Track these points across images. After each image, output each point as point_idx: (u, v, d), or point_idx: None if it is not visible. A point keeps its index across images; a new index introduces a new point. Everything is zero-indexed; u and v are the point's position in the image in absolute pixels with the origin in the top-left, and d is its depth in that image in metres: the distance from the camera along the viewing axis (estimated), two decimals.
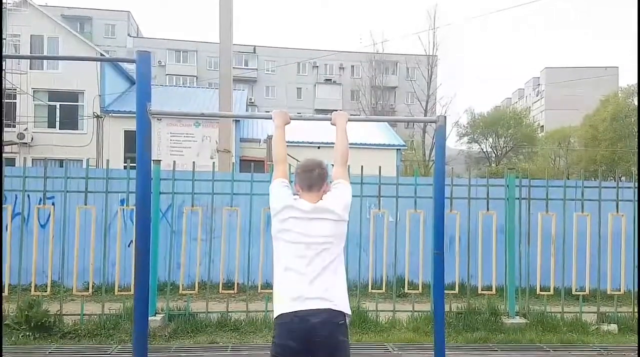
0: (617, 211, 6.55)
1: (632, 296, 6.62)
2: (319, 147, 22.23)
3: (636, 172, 7.20)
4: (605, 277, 6.55)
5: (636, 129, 41.36)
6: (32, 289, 6.07)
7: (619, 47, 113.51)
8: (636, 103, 42.39)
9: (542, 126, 61.04)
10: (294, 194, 2.79)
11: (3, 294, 5.92)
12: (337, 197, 2.76)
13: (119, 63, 25.35)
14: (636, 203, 6.62)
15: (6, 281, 5.97)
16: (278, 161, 2.97)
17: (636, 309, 6.53)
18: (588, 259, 6.45)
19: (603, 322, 6.41)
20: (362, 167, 6.40)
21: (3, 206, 6.21)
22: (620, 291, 6.58)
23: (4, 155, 19.52)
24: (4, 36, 20.89)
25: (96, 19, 52.30)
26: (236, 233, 6.44)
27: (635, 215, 6.54)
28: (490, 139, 49.90)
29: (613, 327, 6.26)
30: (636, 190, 6.67)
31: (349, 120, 3.22)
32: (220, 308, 6.42)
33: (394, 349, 5.38)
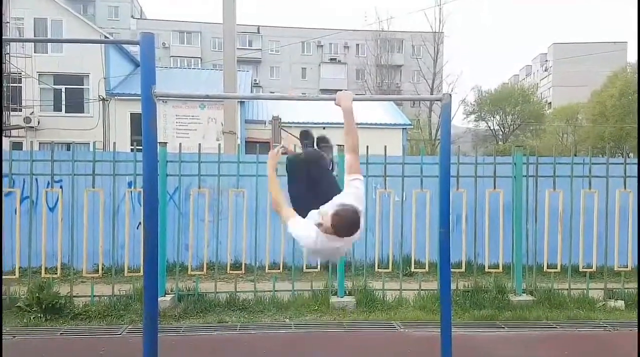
0: (625, 188, 6.52)
1: (638, 272, 6.61)
2: (324, 128, 22.11)
3: None
4: (612, 253, 6.55)
5: None
6: (43, 271, 6.14)
7: (628, 21, 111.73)
8: None
9: (550, 103, 60.51)
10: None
11: (14, 277, 6.01)
12: (360, 201, 3.01)
13: (124, 45, 25.25)
14: (637, 179, 6.55)
15: (17, 264, 6.03)
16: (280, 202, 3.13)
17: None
18: (595, 235, 6.45)
19: (610, 298, 6.42)
20: (367, 147, 6.37)
21: (12, 189, 6.26)
22: (627, 267, 6.58)
23: (10, 139, 19.56)
24: (7, 20, 20.78)
25: (99, 1, 51.99)
26: (243, 214, 6.46)
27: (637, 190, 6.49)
28: (498, 117, 49.56)
29: (620, 303, 6.28)
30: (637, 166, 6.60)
31: (353, 100, 3.22)
32: (229, 288, 6.48)
33: (401, 327, 5.43)
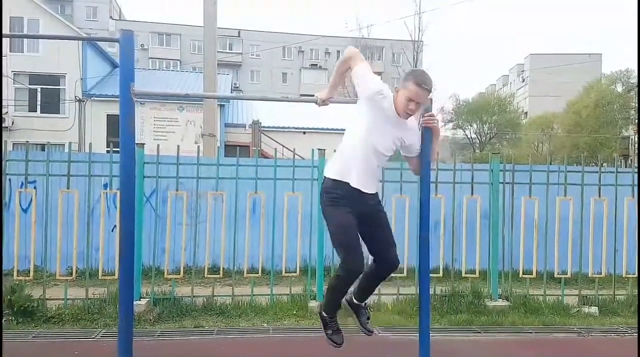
0: (599, 196, 6.63)
1: (612, 279, 6.74)
2: (304, 133, 22.19)
3: (618, 158, 7.29)
4: (587, 260, 6.66)
5: (618, 116, 41.89)
6: (15, 273, 5.99)
7: (603, 34, 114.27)
8: (619, 90, 42.88)
9: (526, 112, 61.48)
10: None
11: None
12: None
13: (102, 46, 24.96)
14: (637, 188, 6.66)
15: None
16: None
17: (616, 292, 6.66)
18: (570, 242, 6.54)
19: (584, 304, 6.51)
20: None
21: None
22: (601, 274, 6.69)
23: None
24: None
25: (77, 1, 51.32)
26: (222, 217, 6.41)
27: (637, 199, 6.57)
28: (475, 125, 50.18)
29: (594, 309, 6.37)
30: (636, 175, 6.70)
31: (331, 102, 3.43)
32: (206, 292, 6.41)
33: (380, 332, 5.42)
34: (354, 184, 3.16)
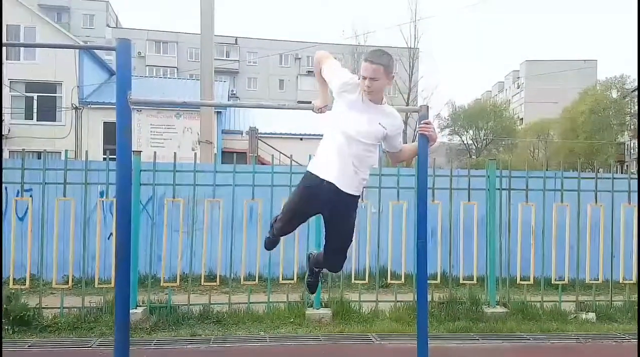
0: (596, 202, 6.65)
1: (609, 285, 6.74)
2: (301, 139, 22.20)
3: (614, 163, 7.31)
4: (584, 266, 6.66)
5: (613, 122, 42.07)
6: (11, 282, 5.96)
7: (598, 40, 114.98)
8: (614, 96, 43.07)
9: (522, 119, 61.70)
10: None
11: None
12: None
13: (98, 54, 24.97)
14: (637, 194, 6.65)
15: None
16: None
17: (613, 298, 6.66)
18: (567, 248, 6.55)
19: (582, 311, 6.51)
20: None
21: None
22: (598, 280, 6.69)
23: None
24: None
25: (74, 8, 51.44)
26: (218, 225, 6.39)
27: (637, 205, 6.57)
28: (471, 132, 50.34)
29: (591, 315, 6.37)
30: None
31: (328, 110, 3.39)
32: (202, 301, 6.38)
33: (377, 339, 5.41)
34: (322, 176, 3.20)
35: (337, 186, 3.18)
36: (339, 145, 3.17)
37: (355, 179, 3.24)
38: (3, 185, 6.27)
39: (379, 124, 3.20)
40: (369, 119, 3.17)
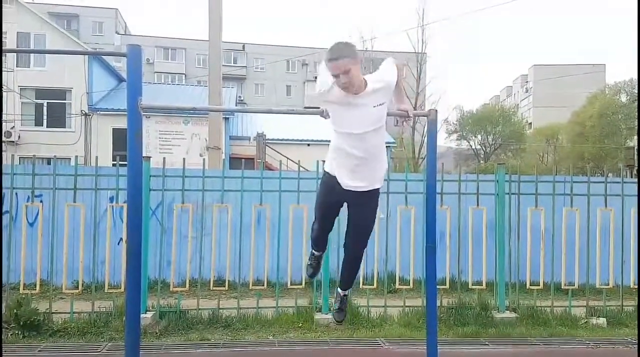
0: (606, 206, 6.61)
1: (620, 290, 6.69)
2: (308, 145, 22.25)
3: (623, 168, 7.26)
4: (594, 271, 6.61)
5: (623, 126, 41.79)
6: (21, 287, 6.01)
7: (607, 44, 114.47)
8: (623, 100, 42.81)
9: (530, 123, 61.46)
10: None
11: None
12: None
13: (107, 61, 25.18)
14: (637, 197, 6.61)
15: None
16: None
17: (624, 303, 6.60)
18: (577, 253, 6.51)
19: (592, 316, 6.46)
20: None
21: None
22: (608, 285, 6.64)
23: None
24: None
25: (83, 16, 51.88)
26: (227, 230, 6.41)
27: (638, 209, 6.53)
28: (479, 136, 50.20)
29: (602, 321, 6.32)
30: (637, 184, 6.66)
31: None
32: (211, 305, 6.40)
33: (385, 344, 5.39)
34: (338, 180, 3.36)
35: (353, 190, 3.36)
36: (348, 150, 3.26)
37: (365, 172, 3.35)
38: (14, 191, 6.31)
39: (375, 106, 3.23)
40: (365, 109, 3.20)
